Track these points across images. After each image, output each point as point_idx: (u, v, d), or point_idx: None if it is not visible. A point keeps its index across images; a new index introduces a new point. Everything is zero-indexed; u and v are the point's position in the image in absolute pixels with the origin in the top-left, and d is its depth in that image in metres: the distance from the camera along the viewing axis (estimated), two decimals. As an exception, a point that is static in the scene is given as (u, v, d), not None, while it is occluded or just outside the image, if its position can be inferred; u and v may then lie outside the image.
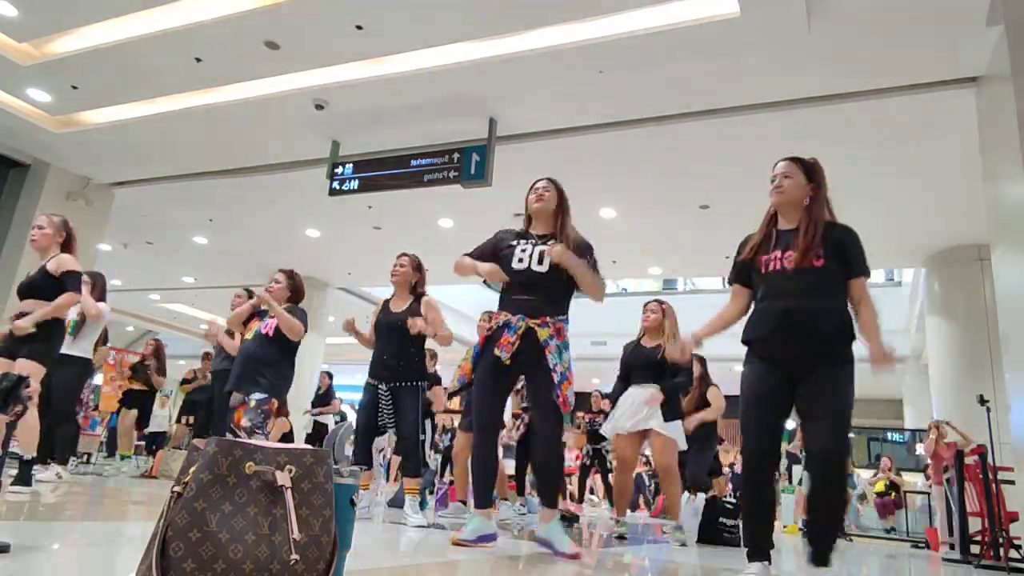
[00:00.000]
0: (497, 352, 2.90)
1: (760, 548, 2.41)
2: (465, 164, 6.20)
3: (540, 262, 2.96)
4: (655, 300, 4.64)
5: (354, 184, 6.75)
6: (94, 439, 9.72)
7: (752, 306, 2.58)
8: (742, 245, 2.64)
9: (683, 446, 4.44)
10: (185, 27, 5.28)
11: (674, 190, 7.37)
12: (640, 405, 4.26)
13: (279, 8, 4.97)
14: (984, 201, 4.91)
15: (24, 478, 3.70)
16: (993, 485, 5.27)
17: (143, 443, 9.27)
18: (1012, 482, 4.94)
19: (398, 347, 3.88)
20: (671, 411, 4.26)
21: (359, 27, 5.10)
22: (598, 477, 9.21)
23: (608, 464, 7.47)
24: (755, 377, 2.45)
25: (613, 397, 4.57)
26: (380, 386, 3.92)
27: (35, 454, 3.79)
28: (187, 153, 7.57)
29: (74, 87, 6.38)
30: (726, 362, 5.74)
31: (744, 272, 2.60)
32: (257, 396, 3.96)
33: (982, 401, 5.58)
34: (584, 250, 3.03)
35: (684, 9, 4.70)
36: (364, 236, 9.53)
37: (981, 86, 5.04)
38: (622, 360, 4.52)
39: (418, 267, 4.17)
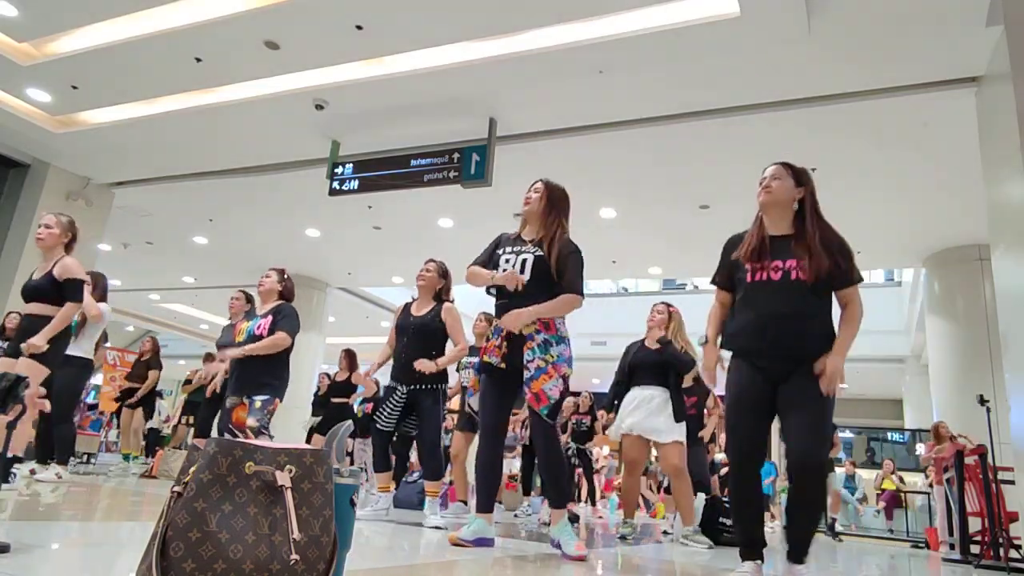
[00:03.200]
0: (487, 358, 2.94)
1: (752, 546, 2.42)
2: (465, 164, 6.20)
3: (522, 270, 2.96)
4: (663, 303, 4.63)
5: (354, 184, 6.75)
6: (94, 439, 9.72)
7: (732, 309, 2.57)
8: (731, 245, 2.61)
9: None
10: (185, 27, 5.28)
11: (674, 190, 7.37)
12: (642, 404, 4.26)
13: (279, 8, 4.97)
14: (984, 201, 4.90)
15: (4, 476, 3.68)
16: (993, 485, 5.27)
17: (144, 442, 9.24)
18: (1012, 482, 4.94)
19: (419, 350, 3.89)
20: (678, 412, 4.27)
21: (359, 27, 5.10)
22: (582, 478, 9.18)
23: (593, 464, 7.48)
24: (741, 379, 2.46)
25: (610, 399, 4.56)
26: (399, 388, 3.95)
27: (21, 454, 3.78)
28: (187, 153, 7.56)
29: (74, 87, 6.38)
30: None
31: (730, 274, 2.58)
32: (261, 397, 3.97)
33: (982, 401, 5.57)
34: (565, 257, 2.97)
35: (684, 9, 4.70)
36: (364, 236, 9.53)
37: (981, 86, 5.04)
38: (625, 362, 4.50)
39: (444, 273, 4.18)
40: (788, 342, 2.36)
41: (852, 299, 2.45)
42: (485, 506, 2.99)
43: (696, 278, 15.30)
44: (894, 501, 10.67)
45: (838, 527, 8.47)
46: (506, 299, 2.98)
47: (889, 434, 13.54)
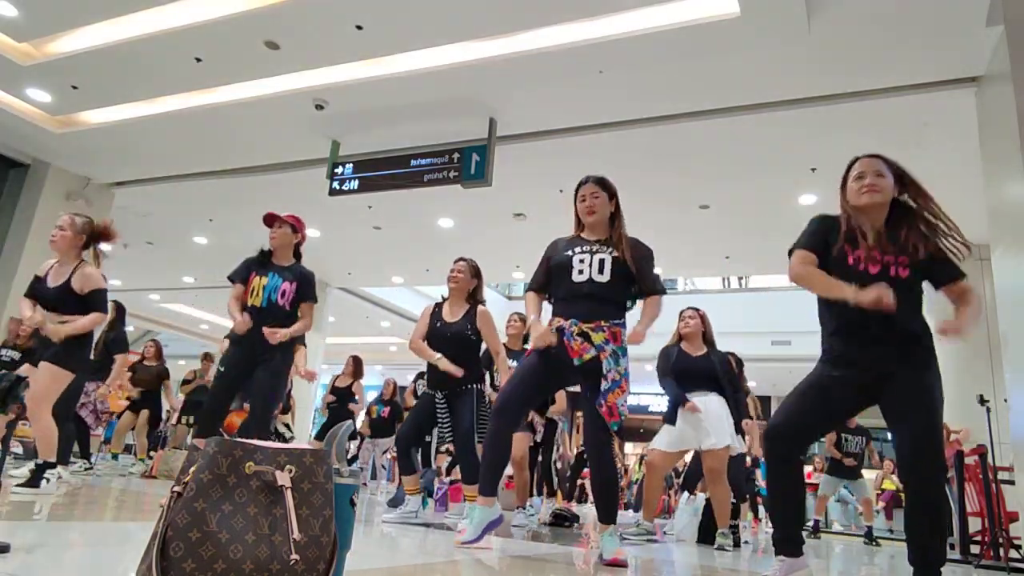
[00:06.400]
0: (585, 356, 2.76)
1: (785, 539, 2.24)
2: (465, 164, 6.20)
3: (601, 271, 2.87)
4: (691, 307, 4.58)
5: (354, 184, 6.75)
6: (94, 439, 9.71)
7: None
8: (825, 225, 2.41)
9: (741, 449, 4.45)
10: (185, 27, 5.29)
11: (674, 190, 7.37)
12: (708, 419, 4.17)
13: (279, 8, 4.98)
14: (984, 201, 4.91)
15: (35, 480, 3.69)
16: (993, 485, 5.26)
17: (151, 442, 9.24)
18: (1012, 482, 4.94)
19: (452, 359, 3.77)
20: (737, 420, 4.28)
21: (359, 27, 5.10)
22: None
23: None
24: (818, 377, 2.30)
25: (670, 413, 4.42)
26: (436, 395, 3.88)
27: (52, 459, 3.75)
28: (187, 153, 7.57)
29: (74, 87, 6.38)
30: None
31: (822, 244, 2.36)
32: None
33: (982, 401, 5.57)
34: (642, 260, 2.93)
35: (684, 9, 4.70)
36: (364, 236, 9.53)
37: (981, 86, 5.04)
38: (668, 367, 4.37)
39: (476, 273, 3.99)
40: (888, 341, 2.22)
41: (966, 288, 2.32)
42: (488, 489, 2.84)
43: (695, 278, 15.31)
44: (894, 501, 10.68)
45: (835, 527, 8.45)
46: (577, 300, 2.86)
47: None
